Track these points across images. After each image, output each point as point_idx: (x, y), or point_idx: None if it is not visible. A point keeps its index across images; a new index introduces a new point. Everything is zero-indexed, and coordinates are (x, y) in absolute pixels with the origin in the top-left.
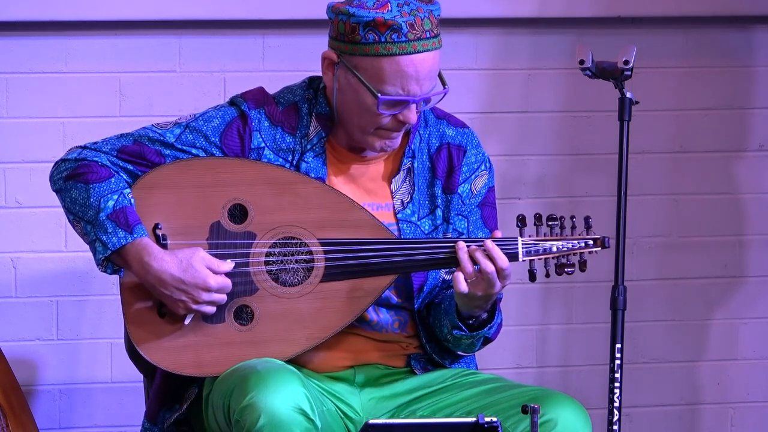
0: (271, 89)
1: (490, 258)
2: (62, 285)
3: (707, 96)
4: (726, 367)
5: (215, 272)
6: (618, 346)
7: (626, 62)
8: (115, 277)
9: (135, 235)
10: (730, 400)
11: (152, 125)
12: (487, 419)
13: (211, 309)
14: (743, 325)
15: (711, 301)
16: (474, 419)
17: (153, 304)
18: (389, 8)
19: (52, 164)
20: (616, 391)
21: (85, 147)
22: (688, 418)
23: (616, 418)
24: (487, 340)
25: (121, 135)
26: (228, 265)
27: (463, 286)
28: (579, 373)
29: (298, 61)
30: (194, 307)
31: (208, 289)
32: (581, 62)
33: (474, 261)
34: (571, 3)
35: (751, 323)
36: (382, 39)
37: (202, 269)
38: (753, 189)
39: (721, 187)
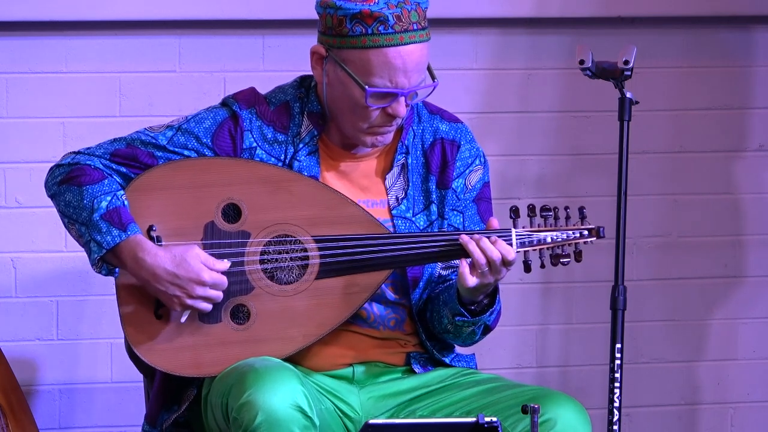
0: (270, 89)
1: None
2: (62, 285)
3: (707, 96)
4: (726, 367)
5: (210, 268)
6: (618, 346)
7: (626, 62)
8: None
9: (129, 233)
10: (730, 400)
11: (145, 129)
12: (487, 419)
13: (207, 306)
14: (743, 325)
15: (710, 301)
16: (474, 419)
17: (149, 305)
18: (376, 0)
19: (48, 170)
20: (616, 391)
21: (78, 152)
22: (688, 418)
23: (616, 418)
24: (487, 329)
25: (115, 139)
26: (224, 263)
27: (471, 281)
28: (579, 373)
29: (297, 61)
30: (189, 302)
31: (203, 284)
32: (581, 62)
33: (481, 250)
34: (570, 3)
35: (751, 323)
36: (369, 31)
37: (196, 264)
38: (752, 189)
39: (720, 187)
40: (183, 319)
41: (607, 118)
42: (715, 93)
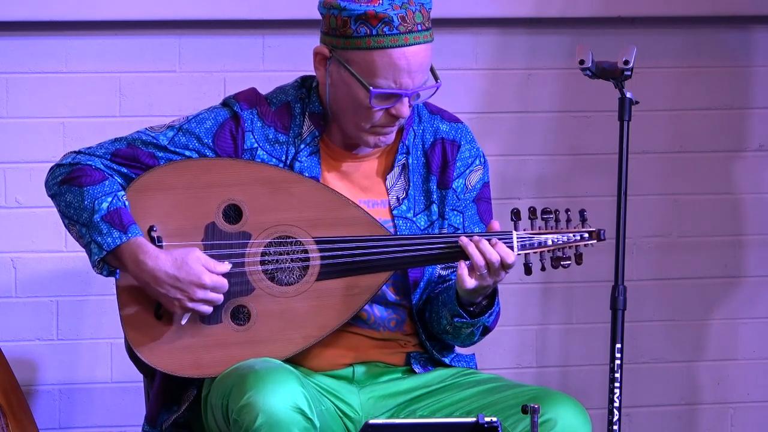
0: (270, 90)
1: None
2: (62, 285)
3: (707, 96)
4: (726, 367)
5: (211, 271)
6: (618, 346)
7: (626, 62)
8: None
9: (129, 235)
10: (730, 400)
11: (145, 129)
12: (487, 419)
13: (207, 309)
14: (743, 325)
15: (710, 301)
16: (474, 419)
17: (149, 306)
18: (380, 1)
19: (48, 169)
20: (616, 391)
21: (79, 152)
22: (688, 418)
23: (616, 418)
24: (486, 330)
25: (115, 139)
26: (224, 266)
27: (469, 283)
28: (579, 373)
29: (297, 61)
30: (190, 305)
31: (203, 287)
32: (581, 62)
33: (480, 252)
34: (570, 3)
35: (751, 323)
36: (374, 32)
37: (197, 267)
38: (752, 189)
39: (720, 187)
40: (183, 322)
41: (607, 118)
42: (715, 93)
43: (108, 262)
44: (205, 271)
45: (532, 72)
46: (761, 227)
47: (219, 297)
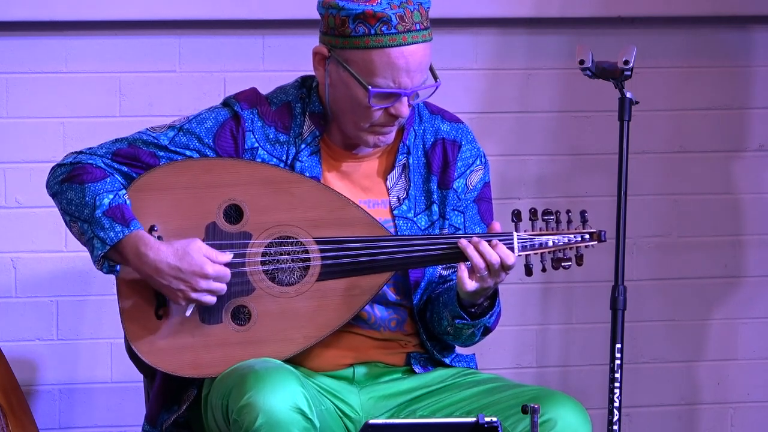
0: (270, 90)
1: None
2: (62, 285)
3: (707, 96)
4: (726, 367)
5: (213, 261)
6: (618, 346)
7: (626, 62)
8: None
9: (132, 228)
10: (730, 400)
11: (146, 129)
12: (487, 419)
13: (211, 299)
14: (743, 325)
15: (710, 301)
16: (474, 419)
17: (149, 304)
18: (379, 1)
19: (49, 169)
20: (616, 391)
21: (80, 152)
22: (688, 418)
23: (616, 418)
24: (487, 330)
25: (116, 139)
26: (226, 255)
27: (469, 285)
28: (579, 373)
29: (297, 61)
30: (193, 295)
31: (206, 276)
32: (581, 62)
33: (479, 254)
34: (570, 3)
35: (751, 323)
36: (372, 31)
37: (199, 257)
38: (752, 189)
39: (720, 187)
40: (188, 313)
41: (607, 118)
42: (715, 93)
43: (110, 257)
44: (207, 261)
45: (532, 72)
46: (761, 227)
47: (222, 287)
